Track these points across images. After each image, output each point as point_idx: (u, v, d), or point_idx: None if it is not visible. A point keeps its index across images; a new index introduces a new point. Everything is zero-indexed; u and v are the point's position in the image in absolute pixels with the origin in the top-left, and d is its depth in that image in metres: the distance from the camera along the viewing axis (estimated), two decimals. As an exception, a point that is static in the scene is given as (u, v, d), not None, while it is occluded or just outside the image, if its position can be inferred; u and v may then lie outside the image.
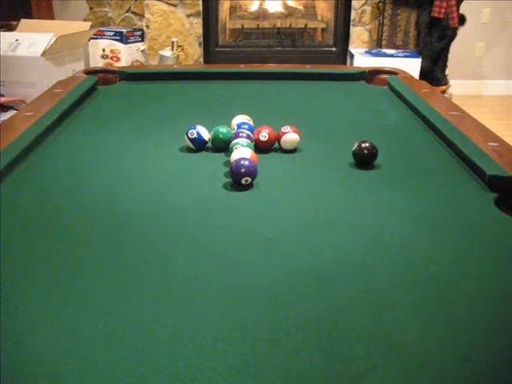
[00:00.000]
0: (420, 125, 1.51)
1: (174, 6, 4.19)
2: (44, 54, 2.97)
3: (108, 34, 4.14)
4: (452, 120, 1.45)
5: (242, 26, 4.58)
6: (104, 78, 1.93)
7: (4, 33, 3.16)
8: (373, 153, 1.22)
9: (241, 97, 1.81)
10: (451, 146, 1.31)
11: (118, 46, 4.13)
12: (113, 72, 1.99)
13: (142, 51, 3.81)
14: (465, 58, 4.71)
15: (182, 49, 4.20)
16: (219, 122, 1.38)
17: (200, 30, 4.28)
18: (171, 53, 3.81)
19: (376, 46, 4.31)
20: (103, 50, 4.17)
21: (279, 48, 4.52)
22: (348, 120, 1.58)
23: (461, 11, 4.04)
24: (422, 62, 3.92)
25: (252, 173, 1.10)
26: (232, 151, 1.20)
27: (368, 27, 4.29)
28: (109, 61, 4.16)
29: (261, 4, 4.57)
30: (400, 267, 0.84)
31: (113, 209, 1.03)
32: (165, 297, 0.76)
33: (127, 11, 4.46)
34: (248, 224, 0.97)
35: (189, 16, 4.23)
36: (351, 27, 4.30)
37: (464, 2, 4.08)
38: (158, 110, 1.66)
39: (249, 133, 1.30)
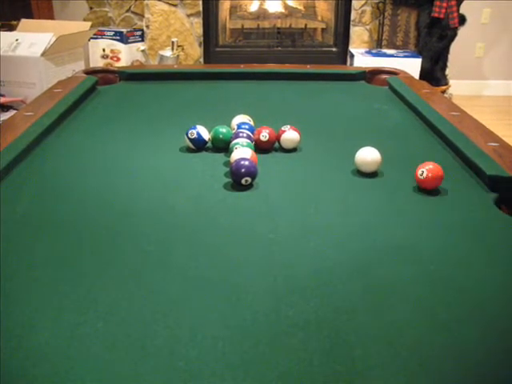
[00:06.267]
0: (420, 125, 1.51)
1: (174, 5, 4.19)
2: (44, 53, 2.97)
3: (108, 33, 4.14)
4: (452, 120, 1.45)
5: (242, 26, 4.58)
6: (104, 77, 1.93)
7: (4, 33, 3.15)
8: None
9: (241, 97, 1.81)
10: (451, 146, 1.31)
11: (118, 45, 4.13)
12: (113, 72, 1.99)
13: (142, 51, 3.81)
14: (465, 58, 4.71)
15: (182, 49, 4.20)
16: (219, 122, 1.38)
17: (200, 30, 4.28)
18: (171, 53, 3.81)
19: (376, 46, 4.31)
20: (103, 50, 4.17)
21: (279, 48, 4.52)
22: (348, 120, 1.58)
23: (461, 11, 4.05)
24: (422, 62, 3.92)
25: (252, 173, 1.10)
26: (232, 151, 1.20)
27: (368, 27, 4.29)
28: (109, 61, 4.16)
29: (261, 4, 4.57)
30: (400, 267, 0.84)
31: (113, 208, 1.03)
32: (165, 296, 0.76)
33: (127, 11, 4.46)
34: (248, 224, 0.97)
35: (189, 16, 4.23)
36: (351, 27, 4.30)
37: (464, 2, 4.08)
38: (158, 110, 1.66)
39: (249, 133, 1.30)
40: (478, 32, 4.67)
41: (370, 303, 0.75)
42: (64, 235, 0.93)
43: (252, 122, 1.41)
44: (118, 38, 4.12)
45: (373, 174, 1.18)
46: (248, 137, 1.28)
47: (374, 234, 0.93)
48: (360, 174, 1.19)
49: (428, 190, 1.10)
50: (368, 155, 1.17)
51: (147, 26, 4.24)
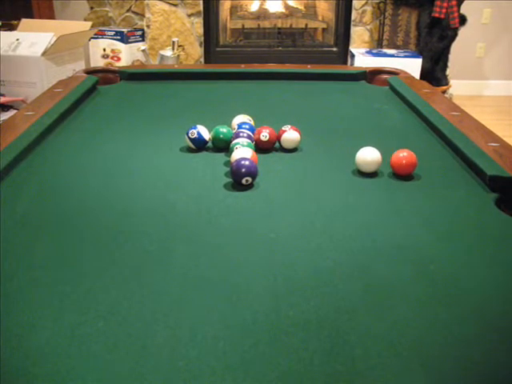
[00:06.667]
0: (421, 125, 1.51)
1: (175, 5, 4.19)
2: (44, 53, 2.97)
3: (108, 33, 4.14)
4: (452, 120, 1.45)
5: (243, 25, 4.58)
6: (104, 77, 1.93)
7: (5, 32, 3.15)
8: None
9: (241, 97, 1.81)
10: (452, 146, 1.31)
11: (119, 45, 4.13)
12: (113, 72, 1.99)
13: (143, 51, 3.81)
14: (465, 58, 4.71)
15: (183, 49, 4.20)
16: (220, 121, 1.38)
17: (201, 30, 4.28)
18: (172, 52, 3.81)
19: (377, 46, 4.31)
20: (104, 50, 4.17)
21: (280, 48, 4.52)
22: (349, 120, 1.58)
23: (461, 11, 4.04)
24: (423, 62, 3.92)
25: (252, 173, 1.10)
26: (232, 151, 1.20)
27: (369, 27, 4.29)
28: (109, 60, 4.16)
29: (261, 4, 4.57)
30: (400, 267, 0.84)
31: (113, 208, 1.03)
32: (165, 296, 0.76)
33: (128, 11, 4.46)
34: (248, 224, 0.97)
35: (189, 16, 4.23)
36: (352, 27, 4.30)
37: (465, 2, 4.08)
38: (159, 109, 1.66)
39: (249, 133, 1.30)
40: (479, 32, 4.67)
41: (371, 303, 0.75)
42: (64, 235, 0.93)
43: (252, 122, 1.41)
44: (118, 37, 4.12)
45: (373, 174, 1.18)
46: (248, 137, 1.28)
47: (374, 234, 0.93)
48: (360, 173, 1.19)
49: (402, 176, 1.16)
50: (368, 155, 1.17)
51: (148, 26, 4.24)
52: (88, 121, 1.54)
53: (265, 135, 1.30)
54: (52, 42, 3.00)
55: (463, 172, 1.19)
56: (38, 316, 0.71)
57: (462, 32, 4.15)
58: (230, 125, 1.38)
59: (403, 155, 1.16)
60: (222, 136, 1.31)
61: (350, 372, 0.62)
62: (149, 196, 1.08)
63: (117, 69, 2.03)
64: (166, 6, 4.19)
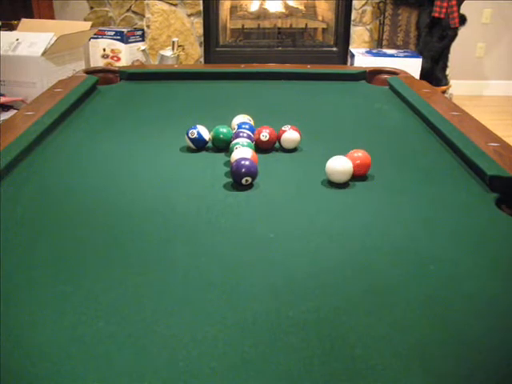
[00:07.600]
0: (420, 125, 1.51)
1: (175, 5, 4.19)
2: (44, 53, 2.97)
3: (108, 33, 4.14)
4: (452, 120, 1.45)
5: (243, 25, 4.59)
6: (104, 77, 1.93)
7: (4, 32, 3.15)
8: None
9: (241, 97, 1.81)
10: (452, 146, 1.31)
11: (119, 45, 4.13)
12: (113, 72, 1.99)
13: (143, 51, 3.81)
14: (465, 58, 4.71)
15: (183, 48, 4.20)
16: (220, 121, 1.38)
17: (200, 30, 4.28)
18: (172, 52, 3.81)
19: (377, 45, 4.31)
20: (104, 50, 4.17)
21: (280, 48, 4.52)
22: (348, 120, 1.58)
23: (461, 11, 4.04)
24: (423, 62, 3.92)
25: (252, 173, 1.10)
26: (232, 151, 1.20)
27: (369, 27, 4.29)
28: (109, 60, 4.16)
29: (261, 4, 4.57)
30: (400, 267, 0.84)
31: (113, 208, 1.03)
32: (165, 296, 0.76)
33: (128, 11, 4.46)
34: (248, 224, 0.97)
35: (189, 16, 4.23)
36: (352, 27, 4.30)
37: (465, 2, 4.08)
38: (159, 109, 1.66)
39: (249, 133, 1.30)
40: (479, 32, 4.67)
41: (371, 303, 0.75)
42: (64, 235, 0.92)
43: (252, 122, 1.41)
44: (118, 37, 4.12)
45: (373, 175, 1.18)
46: (248, 137, 1.28)
47: (374, 234, 0.93)
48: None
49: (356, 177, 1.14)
50: (338, 164, 1.12)
51: (148, 26, 4.24)
52: (88, 121, 1.54)
53: (265, 135, 1.30)
54: (52, 42, 3.00)
55: (463, 172, 1.19)
56: (38, 316, 0.71)
57: (462, 32, 4.15)
58: (229, 125, 1.38)
59: (357, 155, 1.15)
60: (222, 136, 1.31)
61: (350, 372, 0.62)
62: (149, 196, 1.08)
63: (117, 69, 2.03)
64: (165, 6, 4.19)
